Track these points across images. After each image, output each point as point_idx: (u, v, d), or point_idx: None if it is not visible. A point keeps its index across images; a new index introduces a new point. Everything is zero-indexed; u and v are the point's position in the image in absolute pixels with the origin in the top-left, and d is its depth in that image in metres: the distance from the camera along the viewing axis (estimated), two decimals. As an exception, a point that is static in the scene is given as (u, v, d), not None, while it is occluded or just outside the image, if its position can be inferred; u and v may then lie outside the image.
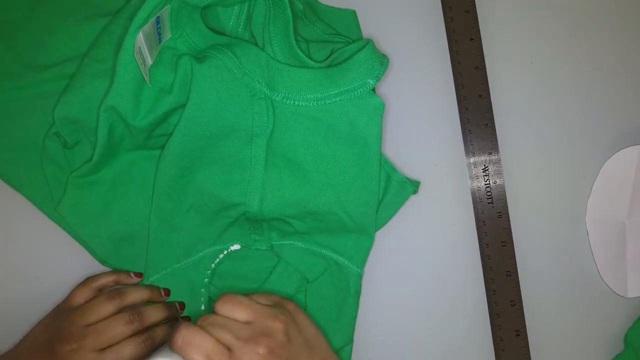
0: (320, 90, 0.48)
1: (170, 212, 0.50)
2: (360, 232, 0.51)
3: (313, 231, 0.51)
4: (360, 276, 0.52)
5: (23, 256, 0.53)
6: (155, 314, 0.47)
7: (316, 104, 0.48)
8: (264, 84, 0.48)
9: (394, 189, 0.52)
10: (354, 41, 0.52)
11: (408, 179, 0.52)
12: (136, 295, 0.47)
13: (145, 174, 0.51)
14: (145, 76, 0.46)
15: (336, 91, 0.48)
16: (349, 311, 0.51)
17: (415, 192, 0.53)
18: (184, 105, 0.48)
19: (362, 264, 0.52)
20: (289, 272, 0.51)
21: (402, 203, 0.54)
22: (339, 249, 0.51)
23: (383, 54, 0.49)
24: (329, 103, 0.48)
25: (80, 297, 0.47)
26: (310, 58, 0.49)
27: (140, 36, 0.44)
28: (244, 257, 0.51)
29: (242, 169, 0.50)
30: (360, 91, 0.47)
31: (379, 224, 0.53)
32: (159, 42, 0.47)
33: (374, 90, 0.49)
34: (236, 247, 0.51)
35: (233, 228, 0.51)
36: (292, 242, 0.51)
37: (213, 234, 0.50)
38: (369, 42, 0.48)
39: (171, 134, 0.49)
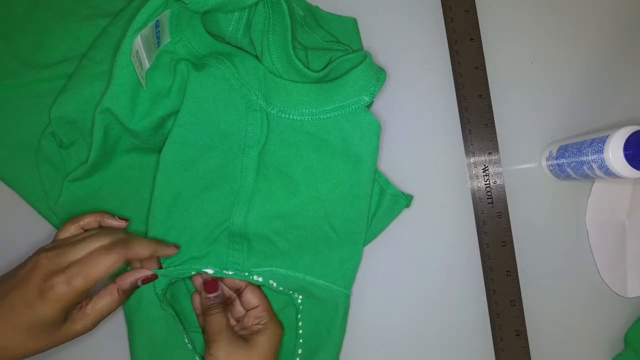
0: (315, 105, 0.48)
1: (161, 218, 0.49)
2: (346, 250, 0.51)
3: (296, 251, 0.50)
4: (347, 297, 0.51)
5: (18, 255, 0.53)
6: (142, 249, 0.44)
7: (310, 118, 0.48)
8: (260, 96, 0.48)
9: (387, 203, 0.52)
10: (353, 50, 0.52)
11: (401, 192, 0.52)
12: (142, 249, 0.44)
13: (140, 177, 0.51)
14: (141, 79, 0.46)
15: (331, 107, 0.48)
16: (336, 333, 0.51)
17: (407, 205, 0.53)
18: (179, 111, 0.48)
19: (348, 284, 0.51)
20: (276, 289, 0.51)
21: (394, 217, 0.53)
22: (324, 273, 0.50)
23: (380, 68, 0.49)
24: (324, 118, 0.48)
25: (67, 233, 0.46)
26: (308, 66, 0.49)
27: (138, 39, 0.44)
28: None
29: (233, 179, 0.49)
30: (355, 107, 0.48)
31: (370, 237, 0.53)
32: (158, 46, 0.47)
33: (370, 106, 0.49)
34: (209, 271, 0.49)
35: (212, 247, 0.49)
36: (272, 268, 0.49)
37: (192, 252, 0.49)
38: (366, 56, 0.48)
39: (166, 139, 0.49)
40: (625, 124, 0.48)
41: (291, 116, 0.48)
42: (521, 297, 0.54)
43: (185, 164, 0.49)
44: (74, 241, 0.43)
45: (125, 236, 0.44)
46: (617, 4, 0.58)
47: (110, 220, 0.48)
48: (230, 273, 0.49)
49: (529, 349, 0.54)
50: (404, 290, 0.55)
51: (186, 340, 0.49)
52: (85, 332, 0.43)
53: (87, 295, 0.43)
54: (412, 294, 0.55)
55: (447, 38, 0.56)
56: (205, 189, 0.49)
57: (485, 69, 0.55)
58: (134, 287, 0.45)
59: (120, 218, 0.49)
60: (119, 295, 0.44)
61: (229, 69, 0.48)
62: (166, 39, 0.48)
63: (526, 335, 0.54)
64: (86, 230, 0.47)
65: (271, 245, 0.50)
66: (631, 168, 0.46)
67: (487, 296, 0.55)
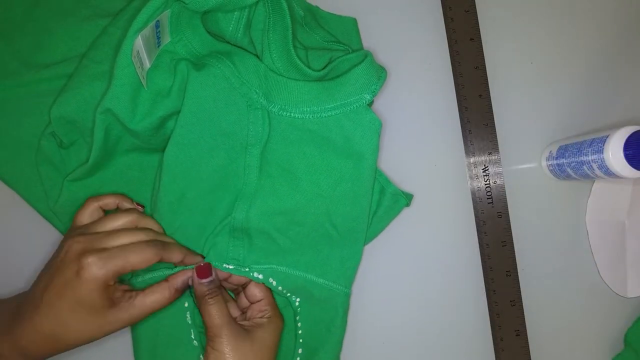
0: (316, 103, 0.48)
1: (168, 219, 0.49)
2: (347, 249, 0.51)
3: (297, 249, 0.50)
4: (348, 295, 0.51)
5: (15, 254, 0.53)
6: (175, 254, 0.45)
7: (312, 116, 0.48)
8: (261, 94, 0.48)
9: (388, 202, 0.52)
10: (353, 50, 0.52)
11: (402, 191, 0.52)
12: (175, 254, 0.45)
13: (141, 177, 0.51)
14: (142, 79, 0.46)
15: (332, 105, 0.48)
16: (337, 332, 0.51)
17: (408, 205, 0.53)
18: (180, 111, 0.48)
19: (349, 283, 0.51)
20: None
21: (394, 216, 0.53)
22: (324, 271, 0.50)
23: (381, 67, 0.49)
24: (325, 116, 0.48)
25: (86, 217, 0.46)
26: (309, 66, 0.49)
27: (139, 40, 0.44)
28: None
29: (236, 178, 0.49)
30: (356, 105, 0.48)
31: (371, 237, 0.54)
32: (158, 46, 0.47)
33: (371, 104, 0.49)
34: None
35: (214, 243, 0.49)
36: (273, 265, 0.49)
37: (198, 251, 0.49)
38: (367, 55, 0.48)
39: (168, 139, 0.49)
40: (625, 124, 0.48)
41: (292, 114, 0.48)
42: (521, 297, 0.54)
43: (188, 164, 0.48)
44: (105, 231, 0.44)
45: (156, 235, 0.46)
46: (617, 4, 0.58)
47: (128, 205, 0.48)
48: (230, 267, 0.48)
49: (529, 349, 0.54)
50: (404, 290, 0.55)
51: (192, 336, 0.49)
52: (131, 324, 0.43)
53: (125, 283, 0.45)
54: (412, 293, 0.55)
55: (447, 38, 0.56)
56: (209, 188, 0.49)
57: (485, 69, 0.55)
58: (186, 286, 0.46)
59: (138, 204, 0.49)
60: (171, 292, 0.44)
61: (229, 67, 0.48)
62: (166, 39, 0.48)
63: (526, 335, 0.54)
64: (105, 212, 0.48)
65: (272, 242, 0.50)
66: (631, 168, 0.46)
67: (487, 296, 0.55)
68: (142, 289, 0.44)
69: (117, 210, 0.48)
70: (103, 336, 0.42)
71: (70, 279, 0.41)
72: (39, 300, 0.41)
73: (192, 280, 0.47)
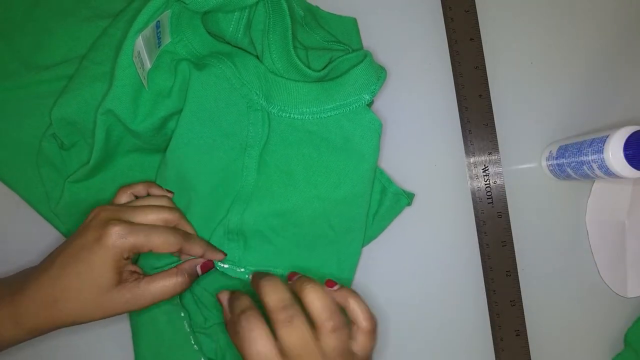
0: (316, 104, 0.48)
1: None
2: (343, 249, 0.51)
3: (294, 250, 0.50)
4: None
5: (15, 254, 0.53)
6: (196, 246, 0.46)
7: (311, 117, 0.48)
8: (261, 95, 0.48)
9: (389, 201, 0.52)
10: (353, 50, 0.52)
11: (403, 190, 0.52)
12: (196, 246, 0.45)
13: (142, 178, 0.51)
14: (143, 80, 0.46)
15: (332, 105, 0.48)
16: None
17: (409, 204, 0.53)
18: (181, 111, 0.48)
19: (347, 284, 0.51)
20: None
21: (396, 215, 0.53)
22: (322, 273, 0.50)
23: (381, 67, 0.49)
24: (324, 117, 0.48)
25: (121, 199, 0.47)
26: (309, 66, 0.49)
27: (140, 40, 0.44)
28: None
29: (234, 178, 0.49)
30: (356, 106, 0.48)
31: (373, 236, 0.54)
32: (159, 46, 0.47)
33: (371, 105, 0.49)
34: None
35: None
36: (270, 268, 0.49)
37: None
38: (367, 55, 0.48)
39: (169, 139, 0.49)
40: (625, 124, 0.48)
41: (292, 115, 0.48)
42: (521, 297, 0.54)
43: (188, 164, 0.49)
44: (135, 205, 0.45)
45: (182, 219, 0.46)
46: (617, 4, 0.58)
47: (157, 191, 0.49)
48: (225, 267, 0.48)
49: (529, 349, 0.54)
50: (404, 290, 0.55)
51: (193, 342, 0.49)
52: (132, 309, 0.42)
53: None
54: (412, 294, 0.55)
55: (447, 38, 0.56)
56: (209, 189, 0.49)
57: (485, 69, 0.55)
58: (194, 274, 0.45)
59: (167, 190, 0.49)
60: (178, 279, 0.44)
61: (230, 68, 0.48)
62: (167, 40, 0.48)
63: (526, 335, 0.54)
64: (137, 197, 0.48)
65: (268, 243, 0.50)
66: (631, 168, 0.46)
67: (487, 296, 0.55)
68: (150, 275, 0.44)
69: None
70: (101, 317, 0.42)
71: (90, 243, 0.41)
72: (51, 261, 0.42)
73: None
